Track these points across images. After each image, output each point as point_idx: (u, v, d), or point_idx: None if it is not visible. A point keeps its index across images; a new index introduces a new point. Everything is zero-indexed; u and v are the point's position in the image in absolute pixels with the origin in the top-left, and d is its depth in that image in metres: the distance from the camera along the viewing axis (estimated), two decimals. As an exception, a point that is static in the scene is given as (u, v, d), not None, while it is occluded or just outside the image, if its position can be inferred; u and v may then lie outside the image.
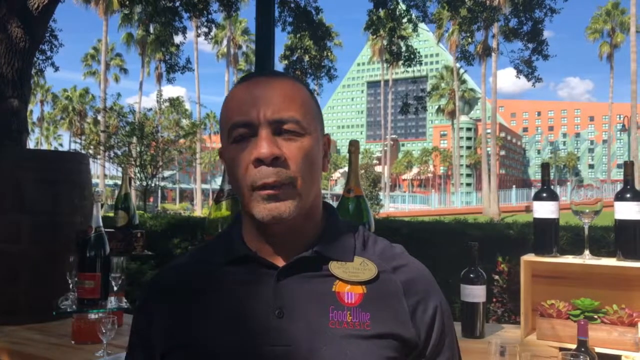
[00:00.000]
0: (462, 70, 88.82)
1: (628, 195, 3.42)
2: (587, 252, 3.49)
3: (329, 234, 1.84)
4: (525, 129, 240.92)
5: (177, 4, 15.89)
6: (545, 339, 3.50)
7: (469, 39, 21.88)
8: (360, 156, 3.19)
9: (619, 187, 3.52)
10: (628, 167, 3.53)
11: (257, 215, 1.69)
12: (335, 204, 2.76)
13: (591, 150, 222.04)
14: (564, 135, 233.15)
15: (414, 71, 22.15)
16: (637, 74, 65.64)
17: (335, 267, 1.77)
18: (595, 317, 3.35)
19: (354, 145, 3.07)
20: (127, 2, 17.87)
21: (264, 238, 1.79)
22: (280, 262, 1.77)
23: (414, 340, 1.74)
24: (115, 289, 3.92)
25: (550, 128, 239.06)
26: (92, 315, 3.68)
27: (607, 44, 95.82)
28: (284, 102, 1.70)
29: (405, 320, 1.74)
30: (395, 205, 78.36)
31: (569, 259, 3.53)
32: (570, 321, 3.38)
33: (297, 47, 21.36)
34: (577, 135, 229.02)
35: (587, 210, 3.49)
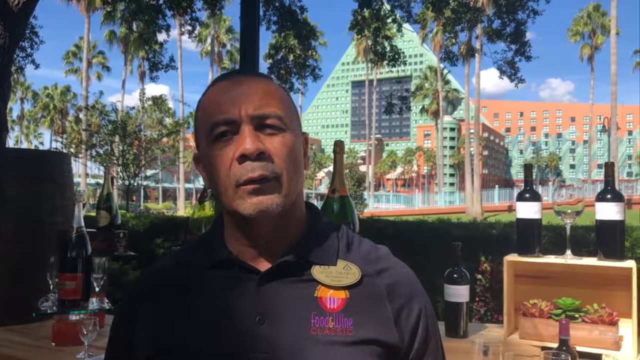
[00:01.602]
0: (445, 71, 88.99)
1: (609, 196, 3.45)
2: (568, 252, 3.51)
3: (312, 236, 1.82)
4: (508, 129, 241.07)
5: (161, 1, 15.81)
6: (527, 338, 3.53)
7: (453, 40, 21.98)
8: (345, 156, 3.20)
9: (600, 187, 3.55)
10: (609, 168, 3.56)
11: (242, 212, 1.67)
12: (319, 203, 2.84)
13: (572, 151, 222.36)
14: (546, 135, 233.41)
15: (398, 71, 22.31)
16: (617, 75, 66.12)
17: (317, 272, 1.75)
18: (577, 316, 3.38)
19: (339, 145, 3.08)
20: (110, 0, 17.80)
21: (247, 240, 1.78)
22: (262, 266, 1.76)
23: (398, 345, 1.73)
24: (97, 289, 3.92)
25: (533, 128, 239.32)
26: (73, 317, 3.66)
27: (588, 46, 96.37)
28: (264, 99, 1.70)
29: (389, 325, 1.73)
30: (379, 204, 78.48)
31: (551, 259, 3.56)
32: (552, 320, 3.41)
33: (282, 46, 21.40)
34: (559, 135, 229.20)
35: (569, 211, 3.52)
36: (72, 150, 28.74)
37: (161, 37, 18.56)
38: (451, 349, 2.81)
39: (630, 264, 3.33)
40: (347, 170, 67.05)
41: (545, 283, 3.70)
